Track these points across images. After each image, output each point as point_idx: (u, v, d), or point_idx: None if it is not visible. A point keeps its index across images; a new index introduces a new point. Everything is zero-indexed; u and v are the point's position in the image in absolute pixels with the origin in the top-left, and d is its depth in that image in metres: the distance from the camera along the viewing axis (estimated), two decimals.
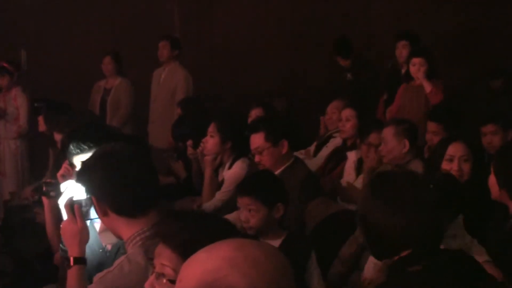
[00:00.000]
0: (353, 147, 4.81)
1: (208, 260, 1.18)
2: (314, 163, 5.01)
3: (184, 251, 1.73)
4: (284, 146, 3.95)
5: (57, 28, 7.88)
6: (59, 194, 2.85)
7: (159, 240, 1.86)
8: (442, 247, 2.01)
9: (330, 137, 5.33)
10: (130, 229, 2.20)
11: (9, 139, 6.73)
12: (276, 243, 3.01)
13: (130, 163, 2.22)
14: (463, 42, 7.59)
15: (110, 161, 2.22)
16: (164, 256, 1.81)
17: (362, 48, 6.87)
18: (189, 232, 1.79)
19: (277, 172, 3.77)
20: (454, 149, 3.42)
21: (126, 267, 2.13)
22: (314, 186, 3.97)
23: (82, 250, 2.38)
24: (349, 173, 4.67)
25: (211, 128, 4.35)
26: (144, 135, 6.71)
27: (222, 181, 4.30)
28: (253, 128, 4.05)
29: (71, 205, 2.40)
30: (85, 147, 2.88)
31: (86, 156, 2.62)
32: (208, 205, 4.20)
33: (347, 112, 5.02)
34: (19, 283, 3.69)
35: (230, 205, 3.99)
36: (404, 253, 1.92)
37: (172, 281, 1.77)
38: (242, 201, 3.04)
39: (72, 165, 2.99)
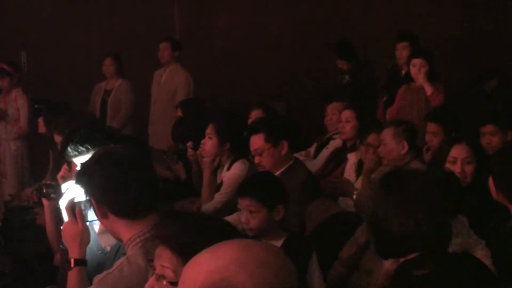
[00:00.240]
0: (353, 148, 4.81)
1: (213, 260, 1.17)
2: (314, 165, 5.01)
3: (184, 253, 1.73)
4: (284, 147, 3.94)
5: (57, 29, 7.88)
6: (59, 195, 2.85)
7: (159, 241, 1.86)
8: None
9: (330, 138, 5.33)
10: (129, 231, 2.20)
11: (9, 140, 6.72)
12: (277, 244, 3.00)
13: (129, 165, 2.21)
14: (463, 44, 7.60)
15: (109, 163, 2.22)
16: (164, 258, 1.81)
17: (362, 49, 6.86)
18: (189, 233, 1.79)
19: (277, 173, 3.76)
20: (457, 151, 3.42)
21: (126, 269, 2.13)
22: (314, 188, 3.97)
23: (83, 251, 2.37)
24: (349, 174, 4.67)
25: (209, 130, 4.34)
26: (144, 136, 6.70)
27: (221, 183, 4.30)
28: (253, 129, 4.05)
29: (72, 206, 2.40)
30: (83, 149, 2.87)
31: (84, 158, 2.62)
32: (208, 206, 4.20)
33: (347, 114, 5.02)
34: (19, 284, 3.69)
35: (229, 206, 3.99)
36: (411, 256, 1.91)
37: (172, 283, 1.77)
38: (243, 202, 3.03)
39: (70, 167, 2.98)
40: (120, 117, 6.94)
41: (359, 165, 4.54)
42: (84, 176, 2.25)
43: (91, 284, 2.22)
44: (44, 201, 3.13)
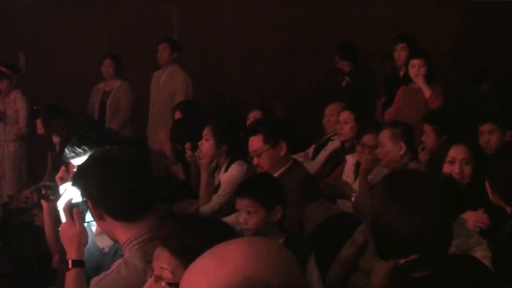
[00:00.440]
0: (351, 149, 4.81)
1: (226, 261, 1.16)
2: (312, 166, 5.01)
3: (183, 254, 1.73)
4: (283, 148, 3.94)
5: (56, 30, 7.87)
6: (57, 197, 2.85)
7: (158, 243, 1.86)
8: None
9: (329, 140, 5.33)
10: (126, 233, 2.19)
11: (8, 142, 6.72)
12: None
13: (125, 167, 2.20)
14: (461, 45, 7.61)
15: (105, 166, 2.21)
16: (163, 259, 1.81)
17: (361, 50, 6.87)
18: (188, 235, 1.79)
19: (275, 175, 3.76)
20: (456, 152, 3.42)
21: (123, 271, 2.13)
22: (313, 189, 3.97)
23: (81, 253, 2.37)
24: (347, 176, 4.68)
25: (206, 132, 4.34)
26: (143, 138, 6.70)
27: (219, 184, 4.30)
28: (252, 131, 4.05)
29: (70, 208, 2.39)
30: (81, 150, 2.86)
31: (82, 159, 2.61)
32: (206, 208, 4.20)
33: (345, 115, 5.02)
34: (17, 285, 3.69)
35: (227, 208, 3.99)
36: (412, 257, 1.91)
37: (171, 284, 1.77)
38: (241, 203, 3.04)
39: (68, 168, 2.98)
40: (119, 118, 6.94)
41: (358, 166, 4.55)
42: (80, 178, 2.24)
43: (89, 285, 2.21)
44: (43, 202, 3.13)
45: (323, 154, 5.21)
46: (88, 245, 2.42)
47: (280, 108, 6.75)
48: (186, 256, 1.68)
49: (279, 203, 3.05)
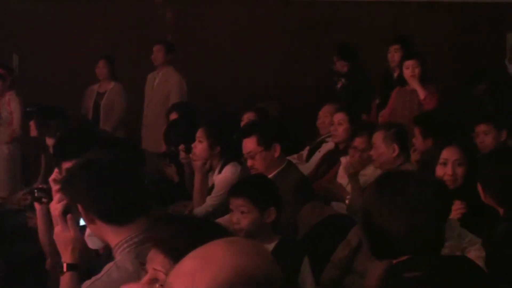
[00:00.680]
0: (345, 151, 4.81)
1: (209, 262, 1.16)
2: (306, 168, 5.01)
3: (177, 256, 1.72)
4: (277, 150, 3.94)
5: (50, 32, 7.86)
6: (51, 199, 2.84)
7: (151, 245, 1.85)
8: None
9: (323, 141, 5.33)
10: (117, 236, 2.18)
11: (2, 144, 6.70)
12: (269, 247, 3.01)
13: (116, 170, 2.19)
14: (456, 47, 7.64)
15: (94, 169, 2.19)
16: (156, 261, 1.81)
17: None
18: (182, 236, 1.79)
19: (270, 176, 3.76)
20: (448, 153, 3.43)
21: (114, 274, 2.12)
22: (307, 190, 3.97)
23: (75, 257, 2.36)
24: (341, 177, 4.68)
25: (199, 133, 4.34)
26: (137, 139, 6.69)
27: (213, 186, 4.30)
28: (246, 132, 4.05)
29: (64, 213, 2.39)
30: (74, 152, 2.85)
31: (72, 162, 2.60)
32: (199, 210, 4.20)
33: (339, 116, 5.02)
34: (10, 287, 3.68)
35: (221, 209, 3.99)
36: (403, 258, 1.91)
37: None
38: (235, 202, 3.04)
39: (61, 170, 2.97)
40: (112, 119, 6.93)
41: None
42: (70, 182, 2.23)
43: None
44: (36, 205, 3.11)
45: (317, 156, 5.21)
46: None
47: (273, 108, 6.75)
48: (180, 258, 1.67)
49: (273, 205, 3.05)
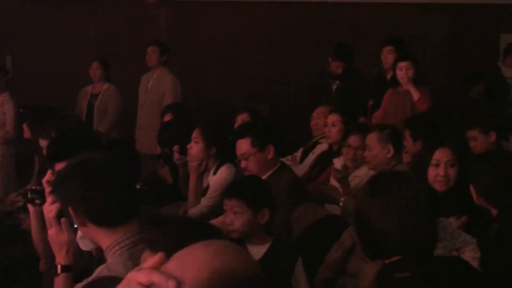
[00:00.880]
0: (339, 152, 4.82)
1: (187, 264, 1.17)
2: (300, 169, 5.02)
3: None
4: (270, 152, 3.94)
5: (43, 33, 7.85)
6: (44, 201, 2.83)
7: (144, 247, 1.85)
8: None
9: (316, 143, 5.34)
10: (109, 239, 2.17)
11: None
12: (263, 248, 3.01)
13: (107, 173, 2.18)
14: (450, 49, 7.66)
15: (85, 172, 2.18)
16: None
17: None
18: (176, 238, 1.79)
19: (263, 177, 3.76)
20: (441, 154, 3.44)
21: None
22: (301, 192, 3.97)
23: (70, 258, 2.36)
24: None
25: (195, 134, 4.34)
26: (131, 141, 6.68)
27: (207, 187, 4.30)
28: (239, 134, 4.05)
29: (58, 216, 2.38)
30: (65, 154, 2.84)
31: (64, 163, 2.59)
32: (194, 211, 4.19)
33: (333, 118, 5.03)
34: None
35: (216, 211, 3.99)
36: (395, 258, 1.92)
37: None
38: (228, 203, 3.04)
39: (54, 172, 2.96)
40: (106, 121, 6.92)
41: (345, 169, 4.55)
42: (61, 185, 2.23)
43: None
44: (29, 206, 3.11)
45: (311, 157, 5.21)
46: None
47: (266, 109, 6.75)
48: None
49: (267, 206, 3.05)
